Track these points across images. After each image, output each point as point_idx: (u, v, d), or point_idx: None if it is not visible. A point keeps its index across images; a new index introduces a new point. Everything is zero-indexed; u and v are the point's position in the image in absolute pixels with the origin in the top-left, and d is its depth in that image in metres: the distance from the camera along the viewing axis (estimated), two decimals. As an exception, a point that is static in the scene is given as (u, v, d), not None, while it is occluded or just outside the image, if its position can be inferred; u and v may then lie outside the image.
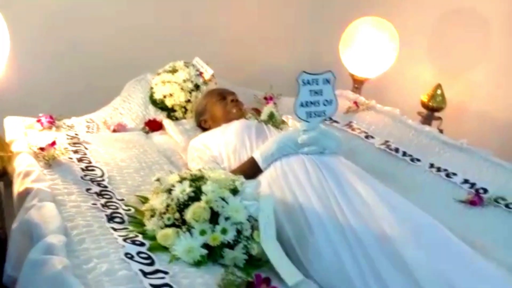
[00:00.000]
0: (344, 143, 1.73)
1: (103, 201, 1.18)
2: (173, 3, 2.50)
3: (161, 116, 1.93)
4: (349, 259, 1.11)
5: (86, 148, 1.46)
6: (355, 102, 2.20)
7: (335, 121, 2.08)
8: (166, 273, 0.94)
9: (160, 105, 1.97)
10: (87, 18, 2.27)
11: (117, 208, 1.16)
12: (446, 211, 1.48)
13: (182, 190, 1.09)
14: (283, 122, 1.69)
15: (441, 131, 2.17)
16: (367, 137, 1.94)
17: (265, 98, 2.24)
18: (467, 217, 1.47)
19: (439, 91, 2.26)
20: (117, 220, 1.11)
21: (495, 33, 2.37)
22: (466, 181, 1.63)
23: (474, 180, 1.63)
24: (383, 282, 1.05)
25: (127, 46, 2.36)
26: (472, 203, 1.51)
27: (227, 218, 1.07)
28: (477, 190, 1.57)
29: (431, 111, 2.28)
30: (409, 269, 1.04)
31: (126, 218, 1.13)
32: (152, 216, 1.11)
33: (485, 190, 1.58)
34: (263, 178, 1.38)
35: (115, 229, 1.06)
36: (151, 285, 0.89)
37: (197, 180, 1.13)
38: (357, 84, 2.48)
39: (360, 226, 1.14)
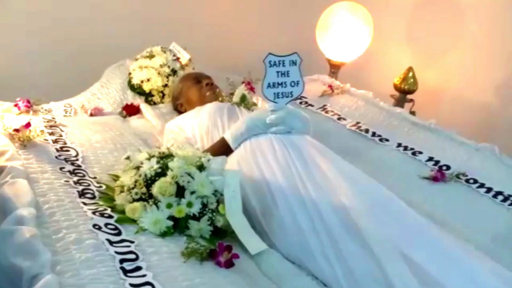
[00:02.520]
0: (317, 125, 1.79)
1: (75, 178, 1.23)
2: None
3: (139, 101, 1.98)
4: (309, 230, 1.17)
5: (62, 131, 1.51)
6: (330, 86, 2.25)
7: (310, 105, 2.14)
8: (132, 242, 1.00)
9: (138, 90, 2.01)
10: (67, 4, 2.29)
11: (89, 185, 1.22)
12: (410, 187, 1.56)
13: (150, 167, 1.15)
14: (254, 104, 1.74)
15: (413, 113, 2.24)
16: (339, 119, 2.00)
17: (243, 83, 2.28)
18: (430, 192, 1.54)
19: (410, 74, 2.32)
20: (88, 196, 1.17)
21: (469, 18, 2.43)
22: (430, 159, 1.70)
23: (438, 157, 1.69)
24: (340, 252, 1.11)
25: (107, 33, 2.39)
26: (434, 179, 1.58)
27: (193, 192, 1.13)
28: (440, 167, 1.64)
29: (404, 93, 2.34)
30: (364, 238, 1.10)
31: (97, 194, 1.19)
32: (121, 192, 1.16)
33: (448, 167, 1.65)
34: (233, 156, 1.44)
35: (85, 204, 1.12)
36: (116, 252, 0.95)
37: (165, 158, 1.19)
38: (334, 69, 2.54)
39: (320, 199, 1.21)
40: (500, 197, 1.52)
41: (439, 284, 1.00)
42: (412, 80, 2.31)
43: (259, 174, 1.33)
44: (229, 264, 1.03)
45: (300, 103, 2.13)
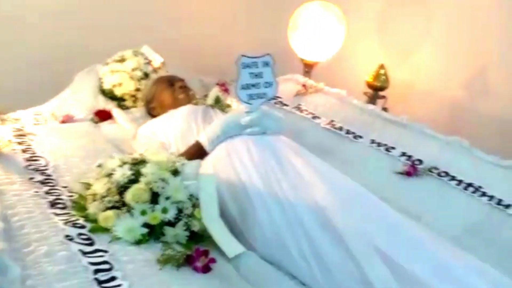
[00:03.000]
0: (292, 124, 1.80)
1: (46, 188, 1.20)
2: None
3: (111, 106, 1.94)
4: (286, 230, 1.18)
5: (31, 140, 1.47)
6: (304, 85, 2.27)
7: (285, 104, 2.14)
8: (105, 251, 0.98)
9: (109, 95, 1.97)
10: (35, 9, 2.23)
11: (59, 195, 1.19)
12: (384, 182, 1.58)
13: (123, 174, 1.13)
14: (229, 105, 1.73)
15: (385, 109, 2.27)
16: (314, 118, 2.01)
17: (218, 84, 2.27)
18: (403, 187, 1.57)
19: (382, 71, 2.36)
20: (60, 206, 1.14)
21: (437, 17, 2.49)
22: (403, 154, 1.73)
23: (411, 152, 1.73)
24: (317, 250, 1.12)
25: (76, 37, 2.33)
26: (407, 173, 1.61)
27: (167, 198, 1.11)
28: (413, 162, 1.67)
29: (376, 90, 2.38)
30: (339, 235, 1.12)
31: (69, 204, 1.16)
32: (94, 200, 1.14)
33: (420, 161, 1.68)
34: (209, 159, 1.43)
35: (56, 214, 1.09)
36: (89, 263, 0.93)
37: (138, 164, 1.17)
38: (307, 68, 2.55)
39: (296, 198, 1.21)
40: (471, 189, 1.56)
41: (414, 277, 1.02)
42: (384, 77, 2.35)
43: (235, 176, 1.33)
44: (206, 269, 1.02)
45: (275, 103, 2.13)
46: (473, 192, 1.54)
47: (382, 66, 2.36)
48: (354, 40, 2.63)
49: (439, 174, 1.62)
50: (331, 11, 2.42)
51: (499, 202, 1.49)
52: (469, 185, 1.57)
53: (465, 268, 1.07)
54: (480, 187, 1.56)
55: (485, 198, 1.51)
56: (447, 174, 1.63)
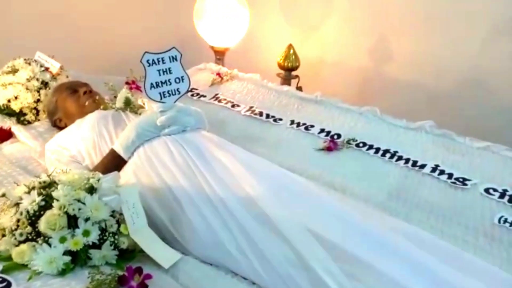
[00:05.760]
0: (213, 115, 1.76)
1: None
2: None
3: (9, 123, 1.75)
4: (221, 228, 1.15)
5: None
6: (219, 74, 2.23)
7: (202, 95, 2.10)
8: (25, 291, 0.89)
9: (6, 111, 1.78)
10: None
11: (-40, 236, 1.04)
12: (308, 160, 1.62)
13: (31, 201, 1.02)
14: (141, 106, 1.64)
15: (299, 88, 2.32)
16: (233, 106, 1.99)
17: (127, 83, 2.15)
18: (327, 162, 1.61)
19: (291, 51, 2.39)
20: (-38, 249, 1.00)
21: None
22: (322, 131, 1.78)
23: (329, 128, 1.79)
24: (254, 243, 1.11)
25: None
26: (328, 149, 1.66)
27: (87, 219, 1.03)
28: (332, 137, 1.73)
29: (288, 71, 2.41)
30: (273, 224, 1.11)
31: (-28, 245, 1.02)
32: (3, 235, 1.02)
33: (339, 135, 1.74)
34: (128, 167, 1.35)
35: (-41, 261, 0.96)
36: (8, 309, 0.83)
37: (47, 187, 1.06)
38: (219, 55, 2.51)
39: (225, 193, 1.19)
40: (388, 155, 1.65)
41: (350, 254, 1.05)
42: (293, 56, 2.38)
43: (159, 181, 1.27)
44: (143, 287, 0.96)
45: (192, 95, 2.08)
46: (391, 158, 1.63)
47: (290, 46, 2.39)
48: (260, 23, 2.63)
49: (357, 145, 1.69)
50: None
51: (415, 164, 1.59)
52: (386, 151, 1.66)
53: (390, 232, 1.13)
54: (396, 151, 1.65)
55: (401, 162, 1.61)
56: (364, 144, 1.70)
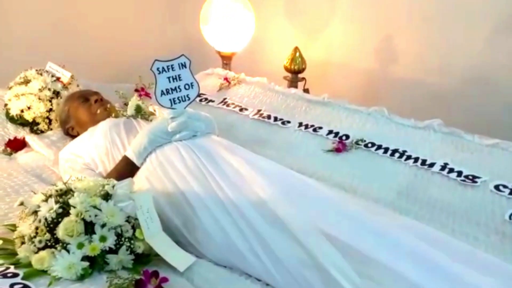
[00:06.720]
0: (221, 120, 1.78)
1: (-38, 241, 1.07)
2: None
3: (23, 133, 1.79)
4: (233, 230, 1.17)
5: None
6: (226, 78, 2.25)
7: (211, 100, 2.12)
8: (46, 297, 0.91)
9: (19, 121, 1.82)
10: None
11: (-19, 244, 1.07)
12: (317, 162, 1.63)
13: (49, 209, 1.04)
14: (152, 113, 1.67)
15: (306, 90, 2.33)
16: (241, 110, 2.01)
17: (137, 90, 2.18)
18: (336, 164, 1.62)
19: (297, 54, 2.40)
20: (-17, 257, 1.03)
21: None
22: (330, 132, 1.79)
23: (337, 129, 1.79)
24: (266, 244, 1.12)
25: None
26: (337, 150, 1.67)
27: (103, 225, 1.05)
28: (340, 138, 1.74)
29: (294, 73, 2.42)
30: (285, 225, 1.13)
31: (-6, 252, 1.05)
32: (23, 243, 1.05)
33: (347, 136, 1.75)
34: (141, 173, 1.37)
35: (-19, 268, 0.98)
36: (31, 314, 0.85)
37: (64, 195, 1.09)
38: (226, 60, 2.54)
39: (237, 197, 1.20)
40: (397, 155, 1.66)
41: (362, 254, 1.06)
42: (299, 59, 2.40)
43: (172, 186, 1.29)
44: (159, 290, 0.98)
45: (200, 100, 2.11)
46: (400, 157, 1.64)
47: (296, 49, 2.41)
48: (266, 26, 2.65)
49: (366, 146, 1.70)
50: (237, 0, 2.41)
51: (424, 163, 1.60)
52: (395, 151, 1.67)
53: (402, 231, 1.14)
54: (404, 151, 1.66)
55: (410, 161, 1.61)
56: (373, 144, 1.71)
